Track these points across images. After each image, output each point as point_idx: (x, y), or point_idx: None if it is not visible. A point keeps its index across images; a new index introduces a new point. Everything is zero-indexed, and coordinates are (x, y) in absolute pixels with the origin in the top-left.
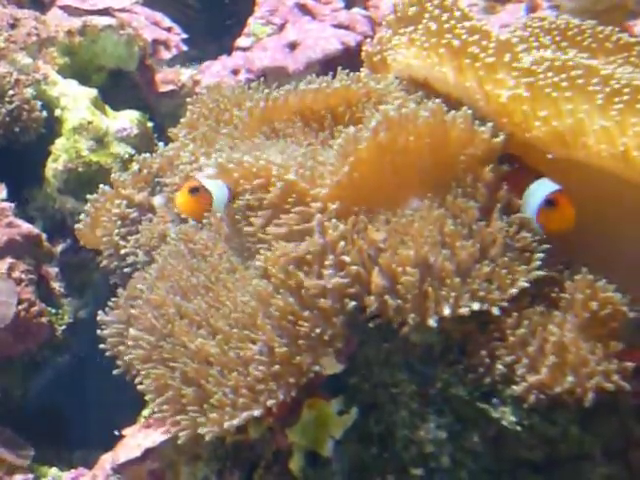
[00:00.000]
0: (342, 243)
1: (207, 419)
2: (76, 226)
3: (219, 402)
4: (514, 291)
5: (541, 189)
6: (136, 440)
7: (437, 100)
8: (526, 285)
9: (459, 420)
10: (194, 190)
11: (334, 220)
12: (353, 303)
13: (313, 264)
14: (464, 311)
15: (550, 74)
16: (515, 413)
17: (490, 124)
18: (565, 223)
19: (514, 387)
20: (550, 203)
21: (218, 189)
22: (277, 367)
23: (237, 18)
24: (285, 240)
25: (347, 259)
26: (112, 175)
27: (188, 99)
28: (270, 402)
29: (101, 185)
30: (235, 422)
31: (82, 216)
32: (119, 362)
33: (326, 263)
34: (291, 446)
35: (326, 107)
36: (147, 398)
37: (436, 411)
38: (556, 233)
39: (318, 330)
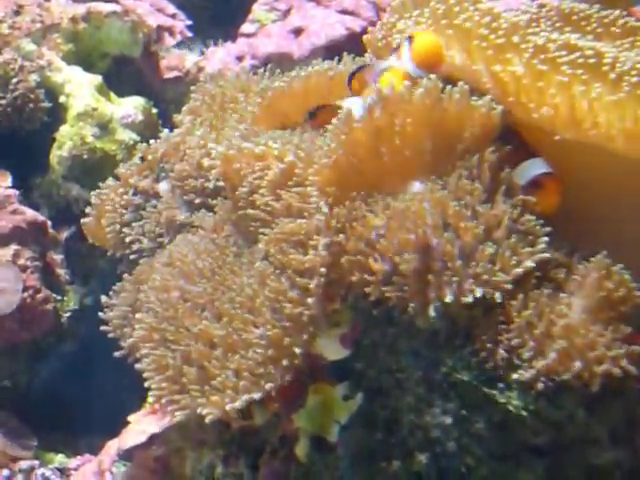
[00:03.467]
0: (334, 223)
1: (208, 401)
2: (82, 220)
3: (221, 384)
4: (519, 271)
5: (530, 169)
6: (141, 426)
7: (432, 76)
8: (532, 265)
9: (465, 405)
10: None
11: (322, 202)
12: (319, 280)
13: (306, 245)
14: (467, 299)
15: (563, 52)
16: (521, 398)
17: (488, 97)
18: (547, 207)
19: (521, 372)
20: (536, 184)
21: None
22: (272, 350)
23: (242, 5)
24: (285, 217)
25: (336, 238)
26: (118, 168)
27: (192, 87)
28: (268, 385)
29: (108, 179)
30: (237, 404)
31: (88, 209)
32: (122, 344)
33: (313, 243)
34: (297, 431)
35: (329, 90)
36: (145, 376)
37: (442, 396)
38: (538, 215)
39: (297, 310)
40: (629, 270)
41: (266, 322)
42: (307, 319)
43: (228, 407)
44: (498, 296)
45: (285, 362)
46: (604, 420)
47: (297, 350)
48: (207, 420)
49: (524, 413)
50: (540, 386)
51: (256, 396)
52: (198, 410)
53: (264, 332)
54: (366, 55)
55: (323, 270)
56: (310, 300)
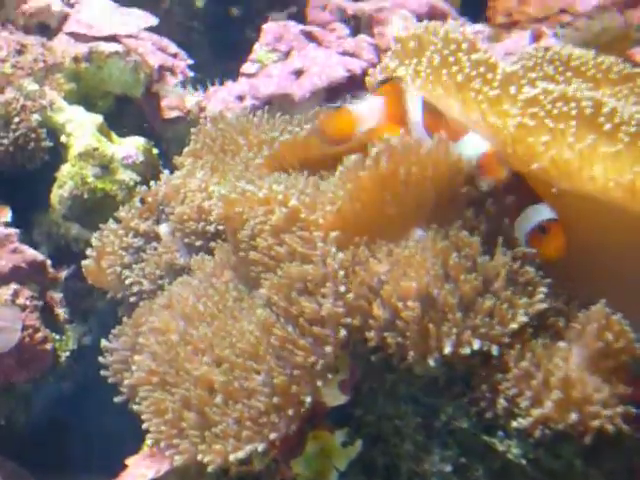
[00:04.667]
0: (342, 272)
1: (209, 449)
2: (83, 262)
3: (223, 432)
4: (514, 326)
5: (536, 214)
6: (140, 469)
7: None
8: (525, 320)
9: (464, 453)
10: None
11: (334, 249)
12: (344, 332)
13: (314, 293)
14: (465, 351)
15: (559, 104)
16: (520, 446)
17: None
18: (554, 252)
19: (520, 420)
20: (542, 230)
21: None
22: (277, 399)
23: (241, 42)
24: (288, 262)
25: (342, 289)
26: (119, 211)
27: (192, 129)
28: (273, 435)
29: (109, 221)
30: (240, 454)
31: (89, 251)
32: (122, 389)
33: (325, 291)
34: (295, 477)
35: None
36: (144, 418)
37: (441, 444)
38: (543, 261)
39: (312, 359)
40: (628, 320)
41: (270, 370)
42: (321, 368)
43: (231, 457)
44: (495, 349)
45: (291, 411)
46: (603, 470)
47: (307, 399)
48: (209, 469)
49: (523, 462)
50: (538, 434)
51: (260, 447)
52: (199, 457)
53: (267, 379)
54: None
55: (345, 321)
56: (328, 349)
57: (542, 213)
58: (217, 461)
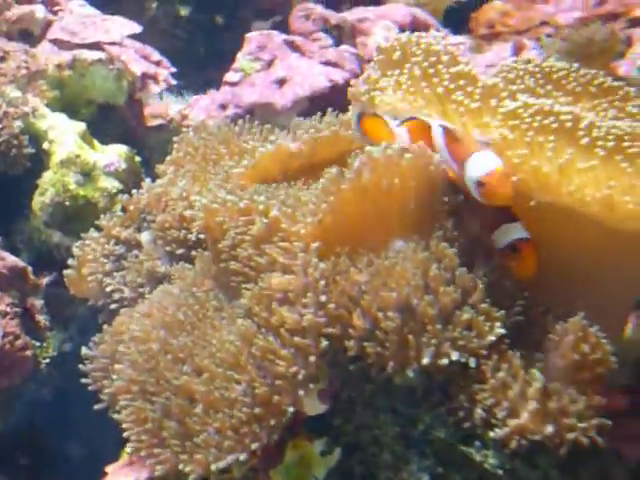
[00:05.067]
0: (322, 282)
1: (191, 459)
2: (64, 272)
3: (204, 442)
4: (492, 339)
5: (508, 233)
6: (118, 477)
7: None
8: (502, 332)
9: (441, 463)
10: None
11: (315, 259)
12: (326, 342)
13: (295, 303)
14: (443, 362)
15: (538, 117)
16: (497, 456)
17: None
18: (524, 271)
19: (497, 430)
20: (513, 249)
21: None
22: (258, 409)
23: (225, 51)
24: (269, 272)
25: (323, 298)
26: (100, 219)
27: (174, 138)
28: (255, 445)
29: (90, 230)
30: (221, 464)
31: (70, 261)
32: (102, 396)
33: (306, 302)
34: None
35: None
36: (124, 427)
37: (418, 453)
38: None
39: (294, 369)
40: (604, 331)
41: (252, 380)
42: (303, 378)
43: (213, 467)
44: (473, 361)
45: (273, 421)
46: (578, 479)
47: (289, 409)
48: (191, 479)
49: (500, 472)
50: (514, 444)
51: (242, 457)
52: (180, 466)
53: (248, 389)
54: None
55: (326, 331)
56: (312, 359)
57: (515, 232)
58: (198, 471)
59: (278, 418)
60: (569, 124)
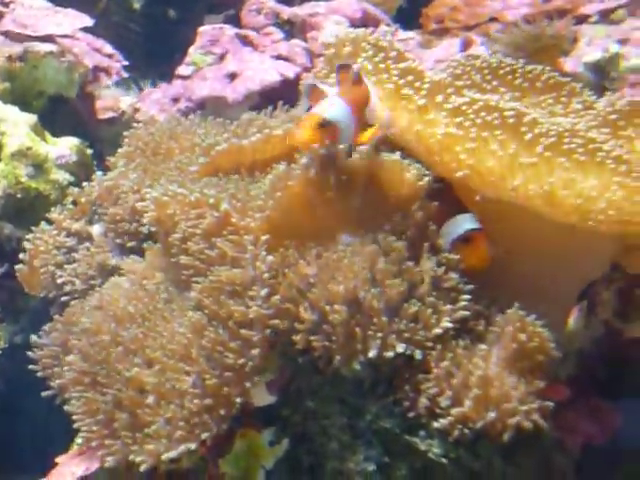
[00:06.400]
0: (267, 275)
1: (141, 449)
2: (16, 267)
3: (156, 433)
4: (438, 331)
5: (460, 224)
6: (70, 468)
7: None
8: (449, 326)
9: (388, 452)
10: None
11: (263, 252)
12: (274, 334)
13: (243, 296)
14: (389, 354)
15: (482, 114)
16: (441, 446)
17: (414, 170)
18: (476, 262)
19: (441, 420)
20: (465, 240)
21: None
22: (208, 400)
23: (178, 44)
24: (219, 265)
25: (268, 291)
26: (51, 212)
27: (125, 132)
28: (205, 435)
29: (41, 223)
30: (172, 454)
31: (22, 256)
32: (52, 384)
33: (253, 294)
34: (223, 476)
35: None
36: (75, 418)
37: (365, 443)
38: (466, 270)
39: (241, 361)
40: (547, 321)
41: (202, 371)
42: (250, 370)
43: (164, 457)
44: (419, 354)
45: (222, 411)
46: (521, 467)
47: (238, 400)
48: (142, 469)
49: (444, 461)
50: (456, 433)
51: (192, 446)
52: (131, 457)
53: (197, 380)
54: (300, 101)
55: (272, 322)
56: (255, 352)
57: (466, 223)
58: (149, 461)
59: (227, 409)
60: (512, 120)
